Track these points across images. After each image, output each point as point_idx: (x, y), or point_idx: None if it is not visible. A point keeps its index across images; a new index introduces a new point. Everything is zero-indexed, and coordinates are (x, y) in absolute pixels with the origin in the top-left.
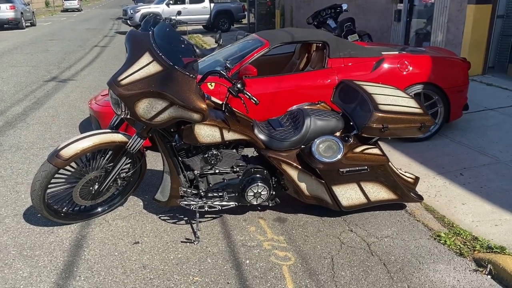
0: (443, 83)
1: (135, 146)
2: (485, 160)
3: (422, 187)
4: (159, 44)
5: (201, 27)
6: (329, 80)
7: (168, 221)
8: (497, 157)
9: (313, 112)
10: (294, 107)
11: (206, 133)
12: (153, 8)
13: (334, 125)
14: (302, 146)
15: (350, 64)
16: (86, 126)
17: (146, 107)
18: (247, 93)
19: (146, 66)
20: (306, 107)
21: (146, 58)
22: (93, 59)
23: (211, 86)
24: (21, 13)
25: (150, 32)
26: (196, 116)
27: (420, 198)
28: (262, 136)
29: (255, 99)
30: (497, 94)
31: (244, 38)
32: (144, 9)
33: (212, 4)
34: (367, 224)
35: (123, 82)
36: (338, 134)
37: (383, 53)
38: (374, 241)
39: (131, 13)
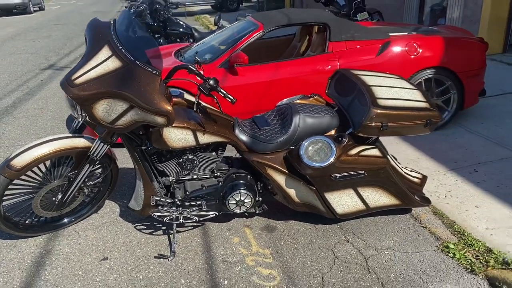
0: (457, 67)
1: (99, 152)
2: (503, 153)
3: (430, 186)
4: (121, 36)
5: (209, 7)
6: (329, 66)
7: (144, 231)
8: None
9: (303, 107)
10: (284, 100)
11: (177, 136)
12: None
13: (327, 123)
14: (291, 148)
15: (353, 47)
16: (73, 120)
17: (105, 110)
18: (222, 90)
19: (104, 62)
20: (297, 101)
21: (104, 52)
22: None
23: None
24: None
25: (112, 21)
26: (160, 119)
27: (427, 202)
28: (244, 137)
29: (231, 97)
30: None
31: (241, 20)
32: None
33: None
34: (366, 232)
35: (78, 81)
36: (333, 132)
37: (390, 34)
38: (372, 254)
39: None
